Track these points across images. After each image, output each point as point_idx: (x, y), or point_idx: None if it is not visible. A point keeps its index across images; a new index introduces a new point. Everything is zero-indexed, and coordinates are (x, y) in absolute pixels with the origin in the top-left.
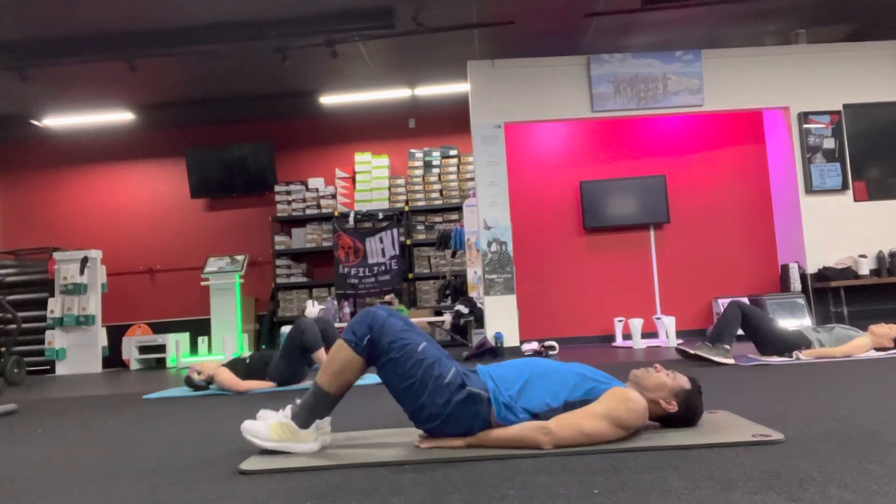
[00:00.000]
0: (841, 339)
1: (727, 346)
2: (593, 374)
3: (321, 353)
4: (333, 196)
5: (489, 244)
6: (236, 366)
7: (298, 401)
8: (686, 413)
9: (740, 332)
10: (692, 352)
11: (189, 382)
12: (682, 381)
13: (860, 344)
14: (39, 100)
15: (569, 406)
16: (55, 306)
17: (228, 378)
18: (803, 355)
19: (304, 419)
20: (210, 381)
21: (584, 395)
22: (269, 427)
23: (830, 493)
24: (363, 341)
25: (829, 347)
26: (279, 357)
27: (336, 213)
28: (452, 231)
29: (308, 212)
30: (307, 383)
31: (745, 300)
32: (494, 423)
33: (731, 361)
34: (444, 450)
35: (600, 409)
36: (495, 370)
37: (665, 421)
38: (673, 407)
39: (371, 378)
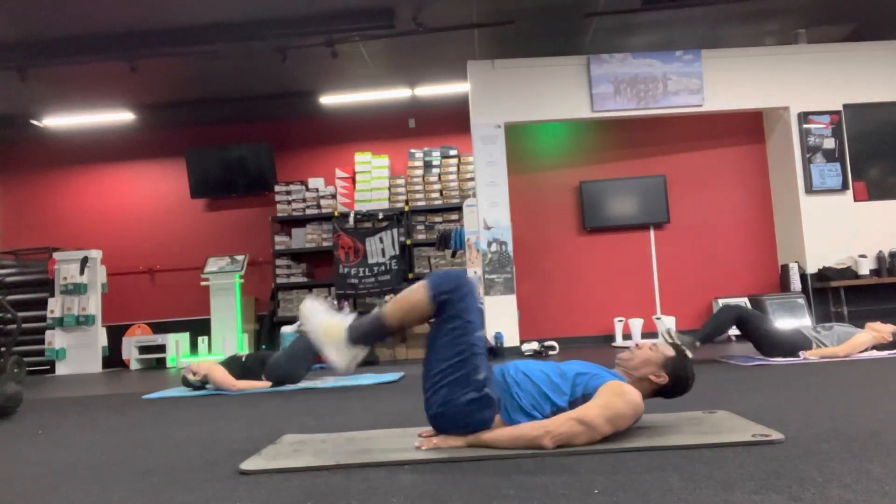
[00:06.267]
0: (841, 337)
1: (697, 345)
2: (586, 369)
3: None
4: (333, 196)
5: (489, 244)
6: (232, 364)
7: (355, 318)
8: (678, 381)
9: (737, 332)
10: (664, 335)
11: (185, 382)
12: (666, 351)
13: (862, 340)
14: (39, 100)
15: (573, 405)
16: (55, 306)
17: (223, 377)
18: (809, 355)
19: (354, 337)
20: (206, 380)
21: (584, 391)
22: (323, 322)
23: (830, 493)
24: (441, 296)
25: (832, 347)
26: (283, 357)
27: (336, 213)
28: (452, 231)
29: (308, 212)
30: (305, 384)
31: (745, 301)
32: (499, 423)
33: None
34: (445, 449)
35: (598, 404)
36: (510, 370)
37: (661, 394)
38: (663, 378)
39: (371, 378)
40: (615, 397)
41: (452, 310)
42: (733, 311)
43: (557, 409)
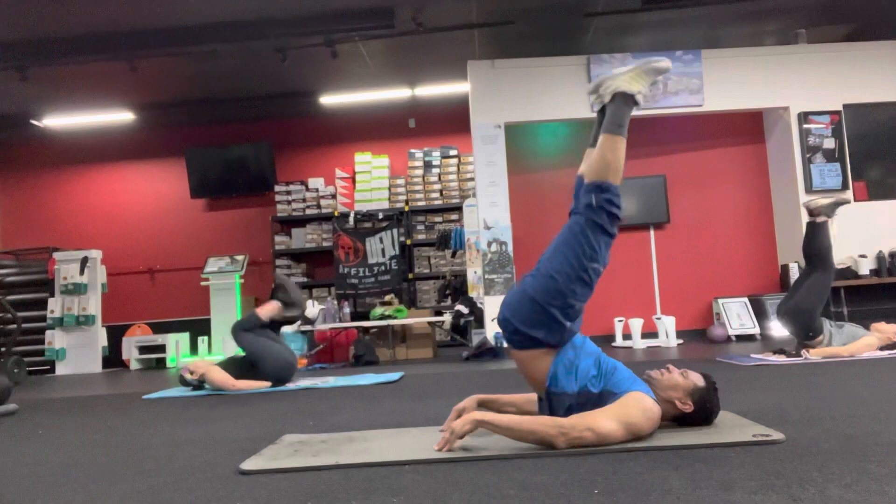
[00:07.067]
0: (849, 337)
1: (826, 217)
2: (621, 368)
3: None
4: (333, 196)
5: (489, 244)
6: (231, 365)
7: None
8: (702, 412)
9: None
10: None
11: (183, 381)
12: (696, 379)
13: (868, 343)
14: (39, 100)
15: (604, 394)
16: (55, 306)
17: (221, 377)
18: (811, 354)
19: (619, 96)
20: (202, 380)
21: (612, 388)
22: (633, 76)
23: (830, 493)
24: (609, 206)
25: (837, 346)
26: (265, 357)
27: (336, 213)
28: (452, 231)
29: (308, 212)
30: (305, 384)
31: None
32: (542, 358)
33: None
34: (444, 450)
35: (617, 413)
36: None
37: (681, 421)
38: (689, 406)
39: (371, 378)
40: (635, 410)
41: (595, 216)
42: (832, 274)
43: (588, 393)
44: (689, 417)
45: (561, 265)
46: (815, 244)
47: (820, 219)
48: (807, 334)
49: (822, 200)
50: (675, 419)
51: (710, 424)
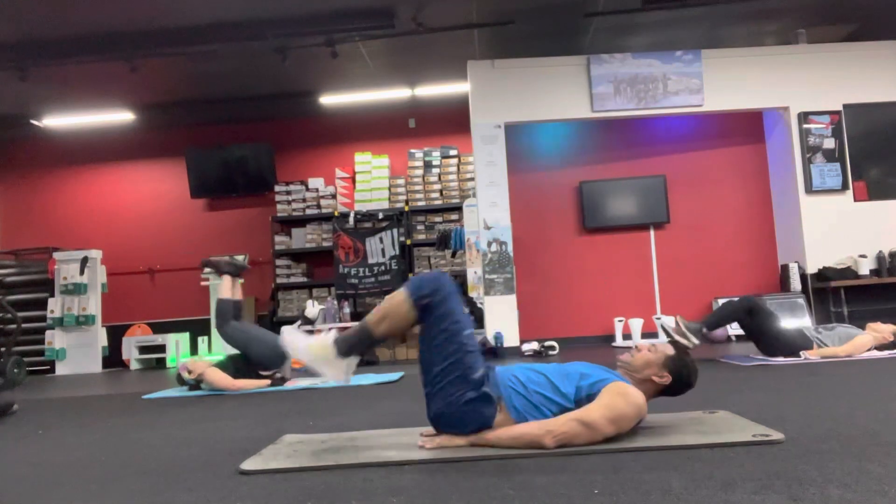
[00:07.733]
0: (843, 338)
1: (704, 331)
2: (590, 370)
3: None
4: (333, 196)
5: (489, 244)
6: (230, 363)
7: (339, 333)
8: (680, 379)
9: (739, 331)
10: (665, 327)
11: (180, 380)
12: (665, 350)
13: (863, 342)
14: (39, 100)
15: (578, 405)
16: (55, 306)
17: (219, 378)
18: (810, 355)
19: (343, 349)
20: (200, 379)
21: (588, 392)
22: (308, 344)
23: (830, 493)
24: (422, 300)
25: (833, 347)
26: (253, 347)
27: (336, 213)
28: (452, 231)
29: (308, 212)
30: (305, 384)
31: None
32: (508, 421)
33: (690, 346)
34: (445, 449)
35: (601, 405)
36: (520, 371)
37: (665, 393)
38: (666, 378)
39: (371, 378)
40: (618, 398)
41: (437, 312)
42: (746, 302)
43: (563, 410)
44: (671, 388)
45: (444, 359)
46: (751, 324)
47: (692, 342)
48: (796, 352)
49: (687, 339)
50: (658, 394)
51: (692, 388)
